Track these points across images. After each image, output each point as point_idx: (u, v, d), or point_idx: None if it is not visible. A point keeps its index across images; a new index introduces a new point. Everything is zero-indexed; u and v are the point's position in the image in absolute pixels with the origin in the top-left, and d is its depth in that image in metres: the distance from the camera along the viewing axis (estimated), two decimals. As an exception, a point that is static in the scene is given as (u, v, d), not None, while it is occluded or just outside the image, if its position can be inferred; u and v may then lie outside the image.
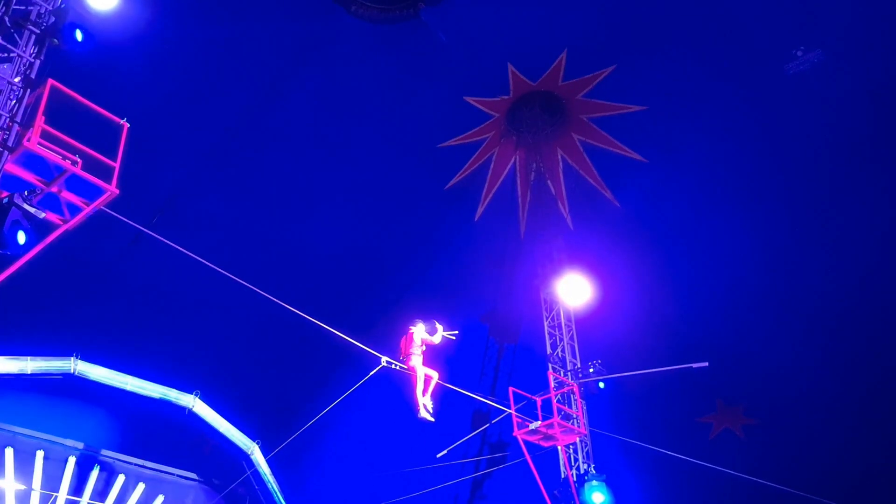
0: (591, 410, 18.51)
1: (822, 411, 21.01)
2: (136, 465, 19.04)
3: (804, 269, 20.54)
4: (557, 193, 21.50)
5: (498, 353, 23.26)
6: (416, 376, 13.51)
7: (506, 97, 20.15)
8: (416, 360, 13.50)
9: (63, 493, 17.54)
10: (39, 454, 17.49)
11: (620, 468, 19.53)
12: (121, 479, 18.57)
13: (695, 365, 17.68)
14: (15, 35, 9.73)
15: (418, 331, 13.85)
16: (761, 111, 19.10)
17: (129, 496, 18.60)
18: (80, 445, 18.27)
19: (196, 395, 19.08)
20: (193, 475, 19.98)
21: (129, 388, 18.25)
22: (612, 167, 20.84)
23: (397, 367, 13.15)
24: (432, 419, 13.78)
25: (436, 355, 14.32)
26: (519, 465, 18.31)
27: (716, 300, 21.07)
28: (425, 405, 13.64)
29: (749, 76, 18.60)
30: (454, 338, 14.18)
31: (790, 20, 17.50)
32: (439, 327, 14.10)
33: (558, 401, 16.74)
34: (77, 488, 17.85)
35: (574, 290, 18.93)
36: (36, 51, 9.81)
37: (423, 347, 13.72)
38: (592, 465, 17.48)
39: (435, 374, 13.69)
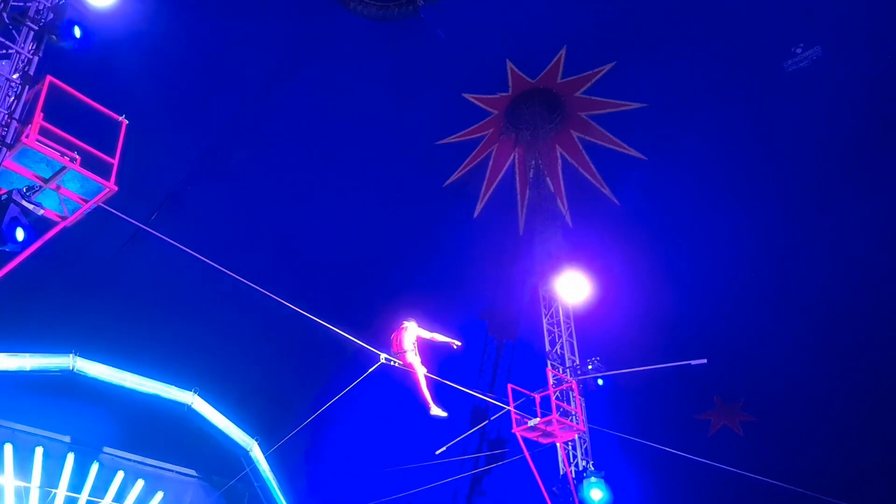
0: (590, 407, 18.51)
1: (821, 408, 21.03)
2: (135, 461, 19.05)
3: (803, 266, 20.55)
4: (556, 191, 21.50)
5: (497, 350, 23.27)
6: (416, 374, 13.44)
7: (505, 94, 20.14)
8: (412, 357, 13.42)
9: (62, 489, 17.56)
10: (39, 450, 17.50)
11: (619, 465, 19.54)
12: (120, 475, 18.59)
13: (693, 362, 17.67)
14: (13, 31, 9.73)
15: (411, 327, 13.72)
16: (760, 108, 19.10)
17: (129, 493, 18.61)
18: (80, 442, 18.28)
19: (195, 392, 19.09)
20: (192, 472, 19.99)
21: (127, 384, 18.25)
22: (611, 164, 20.84)
23: (396, 364, 13.14)
24: (445, 414, 13.72)
25: (435, 351, 14.32)
26: (518, 461, 18.33)
27: (714, 297, 21.09)
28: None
29: (748, 73, 18.59)
30: (456, 346, 14.00)
31: (789, 17, 17.49)
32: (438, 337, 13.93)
33: (557, 398, 16.76)
34: (76, 485, 17.87)
35: (573, 288, 18.92)
36: (34, 47, 9.81)
37: (415, 345, 13.57)
38: (591, 462, 17.50)
39: (423, 373, 13.48)
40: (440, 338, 13.81)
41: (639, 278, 21.16)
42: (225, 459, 19.87)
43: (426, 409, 13.66)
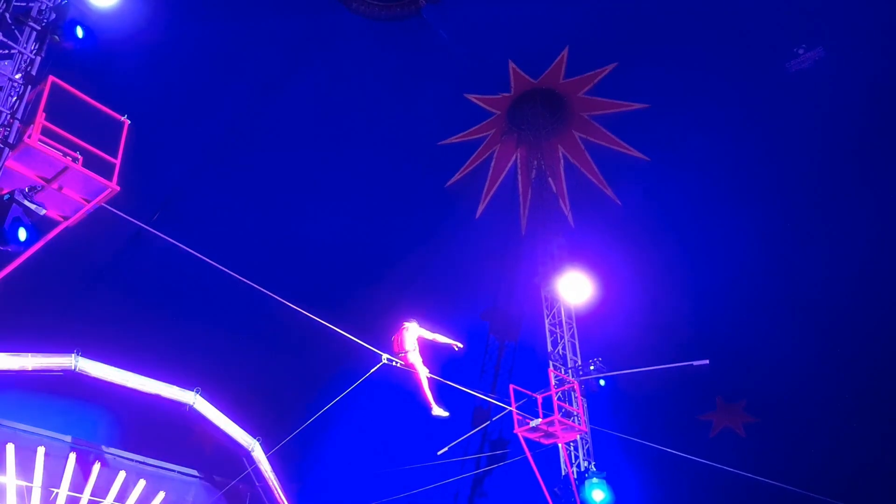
0: (592, 408, 18.52)
1: (823, 409, 21.01)
2: (136, 461, 19.03)
3: (805, 267, 20.53)
4: (558, 191, 21.49)
5: (498, 351, 23.26)
6: (418, 375, 13.42)
7: (507, 95, 20.13)
8: (414, 358, 13.39)
9: (64, 489, 17.55)
10: (41, 450, 17.49)
11: (621, 466, 19.54)
12: (122, 475, 18.58)
13: (695, 363, 17.68)
14: (16, 31, 9.75)
15: (412, 328, 13.69)
16: (763, 109, 19.09)
17: (130, 492, 18.60)
18: (81, 442, 18.29)
19: (197, 391, 19.06)
20: (194, 472, 19.98)
21: (129, 384, 18.20)
22: (614, 165, 20.83)
23: (398, 365, 13.12)
24: (446, 414, 13.71)
25: (436, 352, 14.30)
26: (519, 462, 18.32)
27: (716, 298, 21.07)
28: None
29: (751, 74, 18.57)
30: (458, 348, 13.98)
31: (792, 18, 17.48)
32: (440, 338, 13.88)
33: (559, 398, 16.75)
34: (78, 484, 17.86)
35: (575, 288, 18.92)
36: (37, 47, 9.82)
37: (416, 346, 13.53)
38: (593, 463, 17.50)
39: (426, 374, 13.46)
40: (442, 339, 13.77)
41: (641, 279, 21.16)
42: (227, 459, 19.85)
43: (428, 409, 13.65)
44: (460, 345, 13.81)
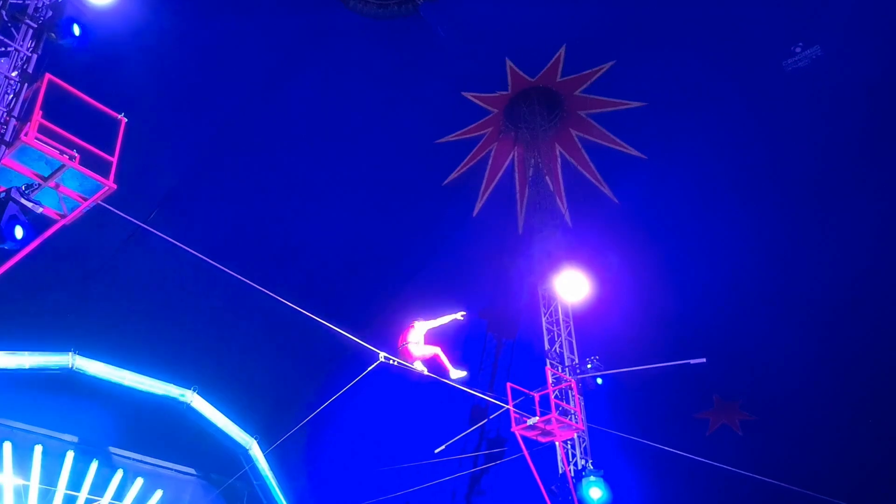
0: (589, 406, 18.51)
1: (820, 407, 21.05)
2: (134, 459, 19.04)
3: (802, 265, 20.56)
4: (556, 189, 21.49)
5: (496, 349, 23.28)
6: (429, 356, 13.80)
7: (504, 93, 20.13)
8: (421, 348, 13.73)
9: (61, 487, 17.55)
10: (38, 449, 17.49)
11: (618, 464, 19.55)
12: (119, 473, 18.59)
13: (692, 361, 17.69)
14: (12, 29, 9.74)
15: (419, 326, 13.93)
16: (760, 107, 19.12)
17: (128, 491, 18.61)
18: (79, 440, 18.28)
19: (194, 390, 19.07)
20: (192, 470, 19.99)
21: (126, 383, 18.22)
22: (611, 163, 20.84)
23: (395, 363, 13.17)
24: (465, 373, 14.51)
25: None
26: (517, 460, 18.33)
27: (713, 296, 21.10)
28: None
29: (748, 72, 18.60)
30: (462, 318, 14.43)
31: (789, 16, 17.51)
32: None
33: (556, 397, 16.77)
34: (75, 483, 17.86)
35: (572, 286, 18.92)
36: (33, 45, 9.82)
37: (421, 339, 13.88)
38: (590, 461, 17.51)
39: (437, 350, 14.09)
40: (446, 319, 14.17)
41: (638, 277, 21.17)
42: (224, 458, 19.86)
43: (446, 374, 14.20)
44: (463, 312, 14.19)
